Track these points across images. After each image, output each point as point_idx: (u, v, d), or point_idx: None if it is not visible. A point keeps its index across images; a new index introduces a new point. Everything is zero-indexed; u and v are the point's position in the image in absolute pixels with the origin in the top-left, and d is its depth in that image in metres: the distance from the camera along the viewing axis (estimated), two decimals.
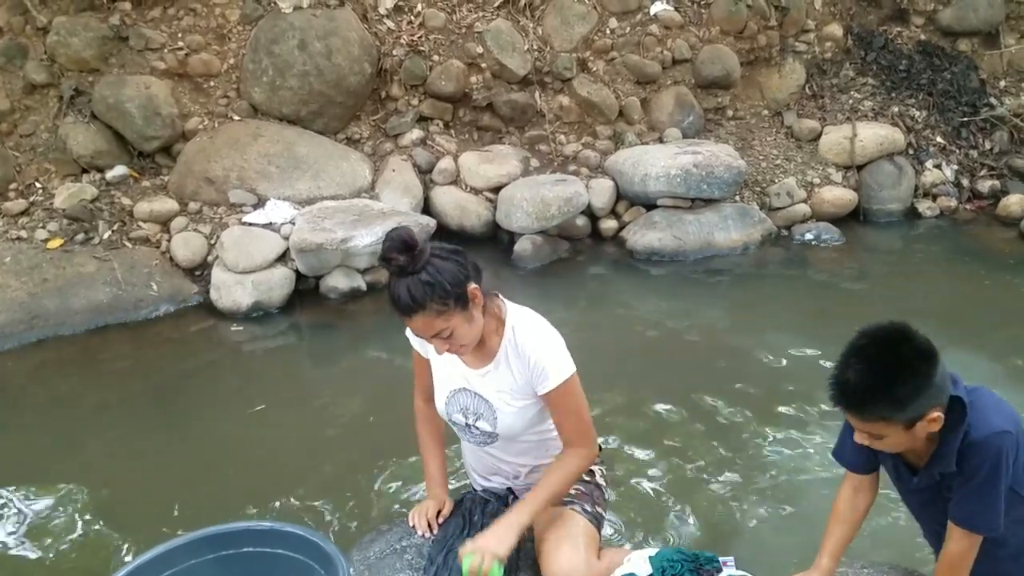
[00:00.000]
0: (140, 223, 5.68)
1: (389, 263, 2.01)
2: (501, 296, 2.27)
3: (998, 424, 1.83)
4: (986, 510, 1.86)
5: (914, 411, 1.79)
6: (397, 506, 3.30)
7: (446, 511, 2.36)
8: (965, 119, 7.43)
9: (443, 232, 5.87)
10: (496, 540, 2.08)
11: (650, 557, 2.05)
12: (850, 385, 1.82)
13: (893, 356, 1.79)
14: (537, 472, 2.36)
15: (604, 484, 2.48)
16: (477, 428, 2.29)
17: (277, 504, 3.32)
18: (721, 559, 2.05)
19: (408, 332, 2.30)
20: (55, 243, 5.42)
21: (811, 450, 3.65)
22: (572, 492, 2.34)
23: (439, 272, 2.01)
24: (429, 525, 2.33)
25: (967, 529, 1.90)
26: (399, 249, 1.99)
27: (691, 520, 3.21)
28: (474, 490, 2.53)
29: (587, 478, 2.40)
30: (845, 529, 2.17)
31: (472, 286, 2.08)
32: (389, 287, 2.05)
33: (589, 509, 2.31)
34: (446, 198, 6.22)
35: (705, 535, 3.10)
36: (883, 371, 1.79)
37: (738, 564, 2.08)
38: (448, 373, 2.29)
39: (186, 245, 5.50)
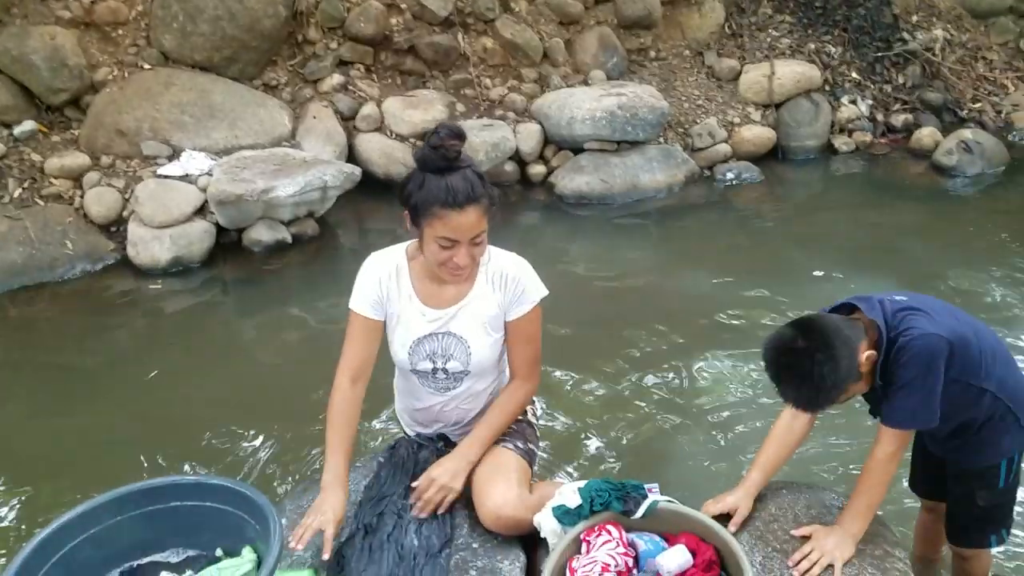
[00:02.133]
0: (51, 179, 5.44)
1: (445, 150, 1.93)
2: None
3: (926, 329, 1.93)
4: (917, 407, 1.97)
5: (847, 373, 1.89)
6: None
7: (332, 532, 2.04)
8: (879, 54, 7.60)
9: (370, 181, 5.79)
10: (450, 476, 2.15)
11: (579, 488, 2.09)
12: (794, 403, 1.97)
13: (797, 368, 1.88)
14: (480, 415, 2.38)
15: (536, 421, 2.52)
16: (446, 371, 2.26)
17: (206, 459, 3.30)
18: (646, 486, 2.11)
19: (361, 293, 2.19)
20: None
21: (734, 381, 3.77)
22: (511, 429, 2.36)
23: (483, 173, 2.02)
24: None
25: (895, 427, 2.02)
26: (456, 136, 1.95)
27: (619, 452, 3.31)
28: (406, 435, 2.54)
29: (520, 416, 2.43)
30: (779, 450, 2.24)
31: None
32: (430, 183, 1.95)
33: (522, 446, 2.34)
34: (371, 145, 6.12)
35: (634, 465, 3.20)
36: (801, 382, 1.89)
37: (663, 490, 2.14)
38: (411, 321, 2.21)
39: (100, 201, 5.31)
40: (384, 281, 2.20)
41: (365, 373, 2.26)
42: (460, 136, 1.97)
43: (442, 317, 2.20)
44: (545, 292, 2.24)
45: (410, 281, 2.21)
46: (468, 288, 2.20)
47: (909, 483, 2.55)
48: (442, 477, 2.17)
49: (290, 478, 3.16)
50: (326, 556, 2.03)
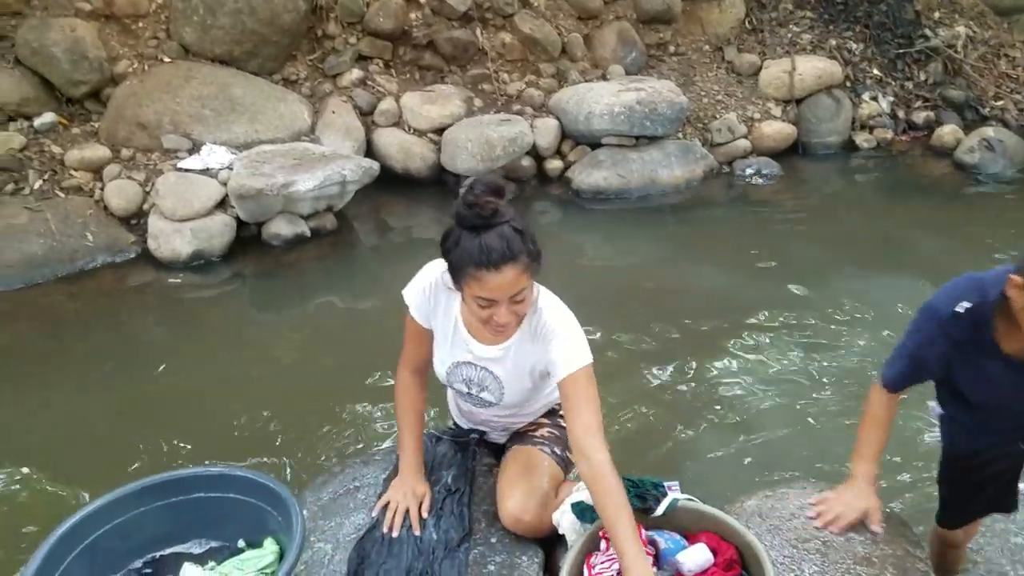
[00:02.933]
0: (72, 172, 5.48)
1: (480, 208, 1.81)
2: None
3: (933, 300, 1.97)
4: (889, 363, 2.06)
5: None
6: (349, 447, 3.32)
7: (427, 505, 2.18)
8: (900, 51, 7.54)
9: (388, 176, 5.80)
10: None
11: None
12: None
13: None
14: (528, 418, 2.37)
15: None
16: (480, 398, 2.24)
17: (227, 451, 3.31)
18: (666, 483, 2.10)
19: (409, 298, 2.14)
20: None
21: (753, 378, 3.75)
22: (546, 434, 2.33)
23: (523, 225, 1.87)
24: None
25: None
26: (492, 192, 1.83)
27: (637, 448, 3.30)
28: (453, 423, 2.56)
29: (563, 423, 2.31)
30: (881, 434, 2.15)
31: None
32: (466, 242, 1.83)
33: (559, 452, 2.30)
34: (389, 140, 6.13)
35: (653, 462, 3.20)
36: None
37: (683, 488, 2.13)
38: (453, 344, 2.15)
39: (120, 193, 5.34)
40: (431, 294, 2.13)
41: (425, 368, 2.29)
42: (497, 192, 1.85)
43: (483, 354, 2.13)
44: (586, 361, 2.01)
45: (459, 306, 2.13)
46: (512, 336, 2.10)
47: (946, 520, 2.41)
48: None
49: (310, 470, 3.17)
50: (417, 532, 2.09)
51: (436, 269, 2.11)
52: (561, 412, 2.40)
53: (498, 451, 2.43)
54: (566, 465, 2.32)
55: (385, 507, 2.18)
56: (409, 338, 2.23)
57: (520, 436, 2.36)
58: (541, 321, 2.05)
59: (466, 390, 2.24)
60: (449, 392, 2.53)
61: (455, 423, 2.56)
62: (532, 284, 1.94)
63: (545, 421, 2.38)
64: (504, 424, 2.39)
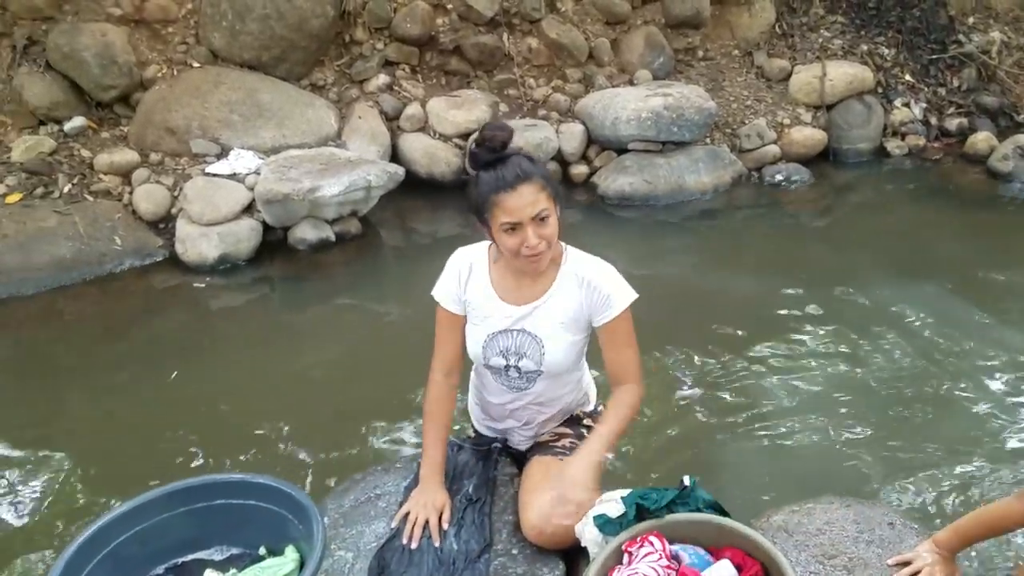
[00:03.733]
0: (101, 175, 5.54)
1: (491, 142, 1.99)
2: None
3: None
4: None
5: None
6: (370, 455, 3.31)
7: (447, 515, 2.16)
8: (934, 57, 7.43)
9: (413, 181, 5.80)
10: (583, 487, 2.03)
11: (622, 497, 2.05)
12: None
13: None
14: (552, 422, 2.37)
15: None
16: (519, 368, 2.24)
17: (250, 457, 3.32)
18: (684, 478, 2.07)
19: (440, 288, 2.23)
20: (14, 198, 5.28)
21: (783, 389, 3.70)
22: (567, 444, 2.32)
23: (536, 158, 2.06)
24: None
25: None
26: (499, 128, 2.01)
27: (664, 460, 3.25)
28: (474, 430, 2.54)
29: (586, 433, 2.35)
30: (981, 528, 1.97)
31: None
32: (482, 176, 2.01)
33: None
34: (415, 145, 6.13)
35: (679, 474, 3.13)
36: None
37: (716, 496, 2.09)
38: (487, 315, 2.21)
39: (149, 197, 5.39)
40: (463, 275, 2.23)
41: (457, 366, 2.30)
42: (504, 128, 2.02)
43: (518, 314, 2.18)
44: (634, 296, 2.17)
45: (488, 276, 2.21)
46: (547, 286, 2.17)
47: None
48: (576, 495, 2.04)
49: (331, 476, 3.16)
50: (437, 543, 2.08)
51: (460, 255, 2.25)
52: (584, 421, 2.39)
53: (519, 460, 2.41)
54: None
55: (405, 517, 2.17)
56: (441, 331, 2.28)
57: (542, 446, 2.34)
58: (579, 268, 2.17)
59: (504, 363, 2.24)
60: (472, 396, 2.52)
61: (476, 432, 2.54)
62: (555, 209, 2.05)
63: (567, 431, 2.37)
64: (530, 414, 2.36)
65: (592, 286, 2.14)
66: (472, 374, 2.49)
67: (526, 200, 1.97)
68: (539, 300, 2.17)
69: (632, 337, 2.21)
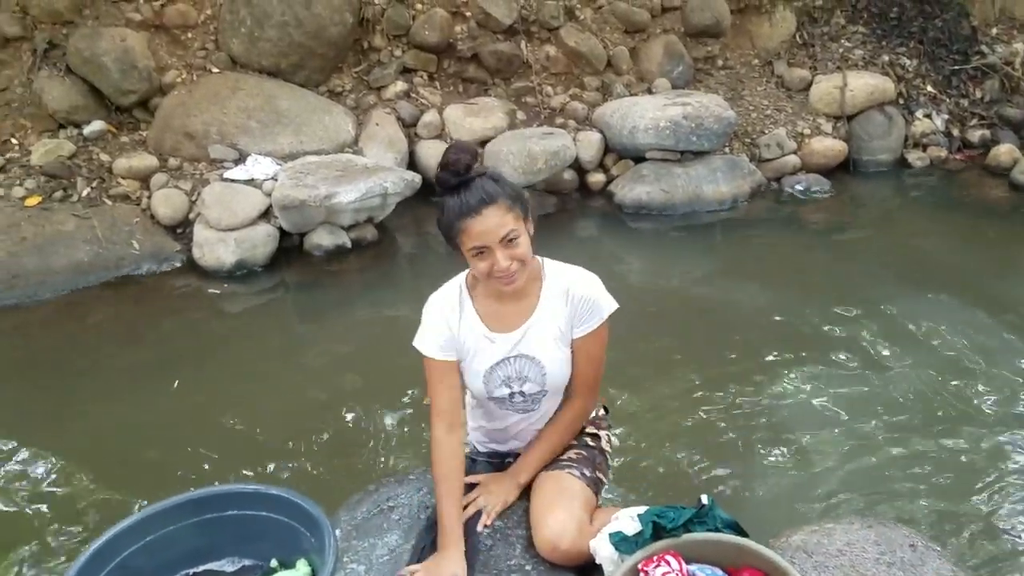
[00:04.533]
0: (119, 179, 5.57)
1: (455, 166, 1.97)
2: None
3: None
4: None
5: None
6: (384, 466, 3.29)
7: None
8: (956, 68, 7.36)
9: (429, 188, 5.79)
10: (504, 489, 2.22)
11: (638, 515, 2.02)
12: None
13: None
14: None
15: (609, 450, 2.43)
16: (523, 393, 2.22)
17: (262, 466, 3.30)
18: (702, 497, 2.04)
19: (425, 340, 2.16)
20: (33, 201, 5.31)
21: (801, 402, 3.65)
22: (573, 456, 2.30)
23: (502, 177, 2.05)
24: None
25: None
26: (462, 150, 2.00)
27: (680, 476, 3.20)
28: (475, 450, 2.51)
29: (591, 443, 2.36)
30: None
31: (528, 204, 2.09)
32: (448, 202, 1.99)
33: (588, 474, 2.26)
34: (432, 152, 6.12)
35: (696, 488, 3.10)
36: None
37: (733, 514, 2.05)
38: (481, 351, 2.18)
39: (167, 202, 5.40)
40: (449, 319, 2.17)
41: (458, 416, 2.21)
42: (468, 151, 2.00)
43: (512, 340, 2.16)
44: (615, 306, 2.18)
45: (474, 311, 2.18)
46: (533, 306, 2.16)
47: None
48: (488, 500, 2.24)
49: (344, 487, 3.13)
50: None
51: (439, 300, 2.20)
52: (588, 429, 2.40)
53: None
54: (597, 487, 2.29)
55: None
56: (435, 382, 2.19)
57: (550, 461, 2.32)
58: (562, 281, 2.17)
59: (508, 392, 2.22)
60: (471, 422, 2.49)
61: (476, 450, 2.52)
62: (525, 228, 2.04)
63: (572, 442, 2.36)
64: (535, 433, 2.35)
65: (577, 297, 2.15)
66: (469, 402, 2.43)
67: (491, 224, 1.96)
68: (529, 320, 2.16)
69: (601, 355, 2.23)
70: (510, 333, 2.16)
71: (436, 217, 2.06)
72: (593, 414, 2.45)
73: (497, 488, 2.25)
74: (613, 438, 2.52)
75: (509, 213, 1.98)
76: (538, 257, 2.20)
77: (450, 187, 1.99)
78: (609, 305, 2.17)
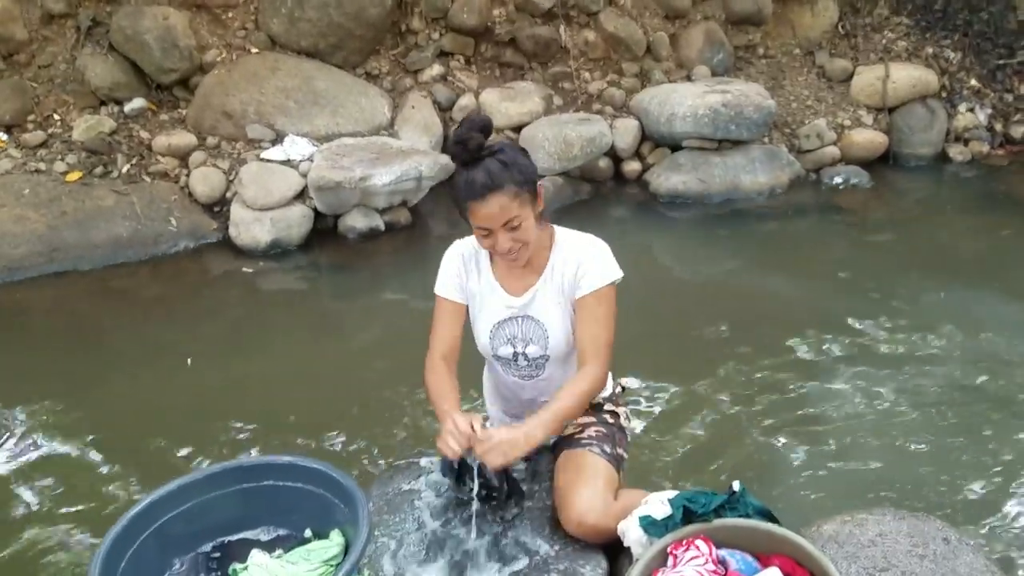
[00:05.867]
0: (159, 157, 5.64)
1: (465, 144, 1.98)
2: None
3: None
4: None
5: None
6: (416, 443, 3.31)
7: (479, 422, 2.04)
8: (1001, 62, 7.23)
9: None
10: (511, 444, 2.00)
11: (669, 499, 2.02)
12: None
13: None
14: None
15: (627, 426, 2.45)
16: (526, 355, 2.26)
17: (299, 439, 3.34)
18: (733, 483, 2.03)
19: (441, 279, 2.27)
20: (74, 176, 5.40)
21: (836, 394, 3.62)
22: (593, 433, 2.30)
23: (514, 156, 2.04)
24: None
25: None
26: (478, 128, 2.00)
27: (714, 461, 3.19)
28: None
29: (610, 420, 2.37)
30: None
31: (540, 181, 2.11)
32: (457, 176, 2.02)
33: (609, 451, 2.28)
34: None
35: (729, 477, 3.08)
36: None
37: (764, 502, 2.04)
38: (490, 305, 2.25)
39: (205, 180, 5.47)
40: (466, 264, 2.27)
41: (454, 353, 2.29)
42: (483, 128, 2.01)
43: (520, 302, 2.22)
44: (619, 274, 2.17)
45: (490, 266, 2.26)
46: (542, 271, 2.21)
47: None
48: (498, 447, 2.00)
49: (377, 463, 3.17)
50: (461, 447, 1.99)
51: (460, 246, 2.29)
52: (605, 407, 2.41)
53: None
54: (618, 464, 2.30)
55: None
56: (441, 320, 2.28)
57: (568, 440, 2.32)
58: (569, 246, 2.19)
59: (512, 351, 2.26)
60: (488, 396, 2.54)
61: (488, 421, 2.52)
62: (531, 211, 2.06)
63: (590, 419, 2.35)
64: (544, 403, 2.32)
65: (579, 259, 2.16)
66: (485, 376, 2.51)
67: (494, 210, 2.00)
68: (536, 285, 2.21)
69: (608, 318, 2.17)
70: (519, 296, 2.22)
71: (450, 186, 2.11)
72: (610, 391, 2.45)
73: (506, 434, 2.06)
74: (632, 418, 2.54)
75: (514, 200, 2.00)
76: (552, 225, 2.24)
77: (462, 162, 2.03)
78: (610, 271, 2.17)
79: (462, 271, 2.27)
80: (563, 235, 2.23)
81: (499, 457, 1.98)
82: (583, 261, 2.16)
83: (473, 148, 1.99)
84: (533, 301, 2.21)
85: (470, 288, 2.27)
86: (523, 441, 2.02)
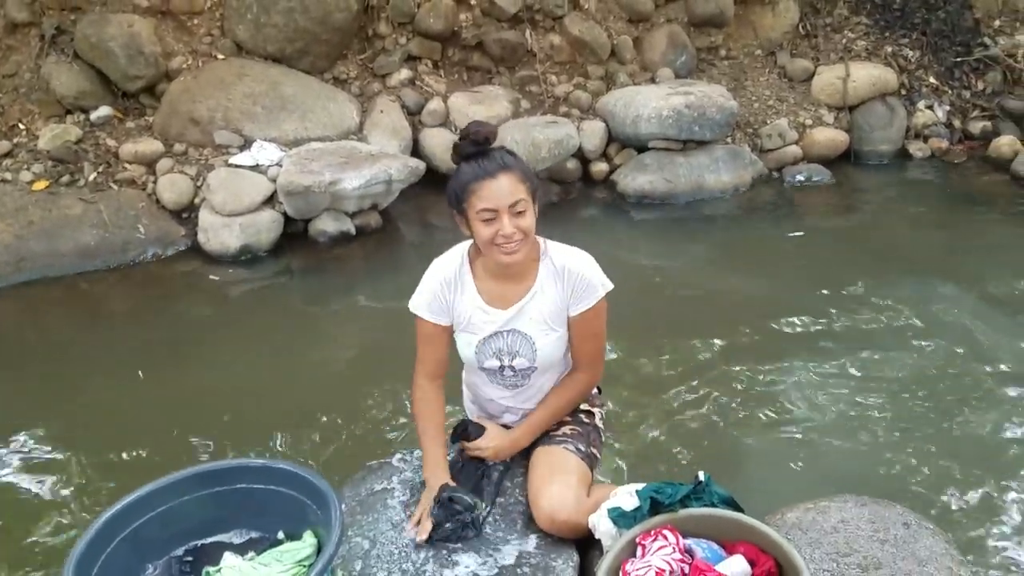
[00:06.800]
0: (126, 164, 5.60)
1: (474, 136, 2.06)
2: None
3: None
4: None
5: None
6: (388, 444, 3.33)
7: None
8: (958, 59, 7.37)
9: (433, 176, 5.82)
10: (496, 452, 2.31)
11: (637, 491, 2.07)
12: None
13: None
14: None
15: (602, 427, 2.48)
16: (513, 368, 2.27)
17: (270, 443, 3.35)
18: (699, 473, 2.08)
19: (419, 302, 2.25)
20: (40, 185, 5.35)
21: (799, 387, 3.69)
22: (568, 432, 2.35)
23: (516, 157, 2.12)
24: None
25: None
26: (486, 126, 2.09)
27: (677, 456, 3.26)
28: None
29: (585, 419, 2.41)
30: None
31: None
32: (460, 169, 2.08)
33: (583, 448, 2.31)
34: (436, 140, 6.15)
35: (694, 468, 3.14)
36: None
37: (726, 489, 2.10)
38: (476, 322, 2.24)
39: (172, 187, 5.44)
40: (447, 285, 2.24)
41: (441, 372, 2.33)
42: (488, 126, 2.11)
43: (506, 316, 2.21)
44: (610, 286, 2.22)
45: (473, 283, 2.24)
46: (530, 284, 2.21)
47: None
48: (485, 453, 2.31)
49: (349, 465, 3.18)
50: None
51: (440, 265, 2.28)
52: (583, 407, 2.45)
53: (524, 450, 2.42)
54: (591, 462, 2.35)
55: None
56: (425, 343, 2.30)
57: (545, 437, 2.37)
58: (558, 260, 2.21)
59: (499, 364, 2.28)
60: (467, 396, 2.57)
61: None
62: (533, 205, 2.10)
63: (566, 418, 2.40)
64: (527, 409, 2.39)
65: (571, 276, 2.19)
66: (464, 374, 2.52)
67: (505, 189, 2.03)
68: (524, 299, 2.21)
69: (602, 329, 2.29)
70: (505, 309, 2.22)
71: (447, 191, 2.13)
72: None
73: (494, 437, 2.33)
74: (605, 414, 2.57)
75: (523, 184, 2.06)
76: (539, 238, 2.23)
77: (468, 155, 2.07)
78: (604, 284, 2.22)
79: (446, 292, 2.24)
80: (552, 247, 2.24)
81: (491, 449, 2.28)
82: (578, 278, 2.18)
83: (482, 139, 2.06)
84: (520, 314, 2.21)
85: (455, 307, 2.25)
86: (509, 448, 2.31)
